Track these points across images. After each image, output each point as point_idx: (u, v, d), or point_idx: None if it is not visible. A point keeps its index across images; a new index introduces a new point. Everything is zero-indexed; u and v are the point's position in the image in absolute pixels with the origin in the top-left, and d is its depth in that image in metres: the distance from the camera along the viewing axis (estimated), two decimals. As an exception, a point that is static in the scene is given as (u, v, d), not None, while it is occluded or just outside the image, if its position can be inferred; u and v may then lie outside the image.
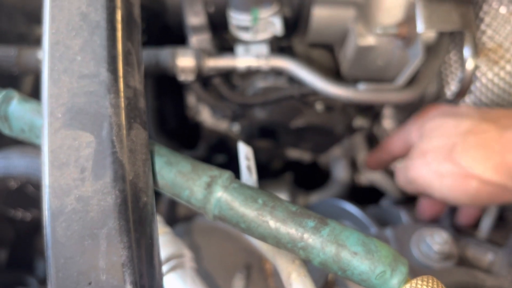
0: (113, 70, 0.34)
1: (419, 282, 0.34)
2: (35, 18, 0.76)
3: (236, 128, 0.79)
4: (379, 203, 0.77)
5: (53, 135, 0.33)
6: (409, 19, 0.61)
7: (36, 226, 0.81)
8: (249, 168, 0.44)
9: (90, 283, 0.30)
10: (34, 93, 0.72)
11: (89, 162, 0.32)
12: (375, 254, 0.35)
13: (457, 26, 0.60)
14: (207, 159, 0.81)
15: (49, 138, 0.33)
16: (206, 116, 0.79)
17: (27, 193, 0.60)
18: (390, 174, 0.82)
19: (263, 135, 0.79)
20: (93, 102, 0.33)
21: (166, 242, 0.48)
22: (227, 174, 0.38)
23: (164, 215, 0.70)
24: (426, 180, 0.58)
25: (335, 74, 0.74)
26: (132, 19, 0.37)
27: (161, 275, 0.34)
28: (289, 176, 0.85)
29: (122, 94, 0.34)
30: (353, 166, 0.87)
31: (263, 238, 0.36)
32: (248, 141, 0.82)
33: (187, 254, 0.48)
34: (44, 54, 0.35)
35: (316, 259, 0.35)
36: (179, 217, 0.76)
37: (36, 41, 0.76)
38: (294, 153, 0.89)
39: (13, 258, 0.77)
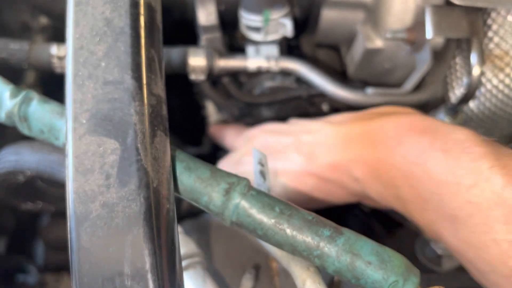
0: (137, 77, 0.35)
1: (430, 291, 0.35)
2: (39, 8, 0.75)
3: (241, 126, 0.79)
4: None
5: (77, 141, 0.33)
6: (418, 24, 0.61)
7: (37, 214, 0.81)
8: (262, 174, 0.45)
9: (115, 289, 0.31)
10: (36, 88, 0.72)
11: (114, 169, 0.33)
12: (388, 264, 0.36)
13: (466, 33, 0.60)
14: (212, 156, 0.81)
15: (74, 143, 0.33)
16: (211, 113, 0.79)
17: (35, 187, 0.60)
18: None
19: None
20: (117, 109, 0.34)
21: (177, 242, 0.48)
22: (245, 181, 0.39)
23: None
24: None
25: (340, 74, 0.75)
26: (155, 26, 0.38)
27: (182, 281, 0.34)
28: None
29: (146, 101, 0.35)
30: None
31: (279, 245, 0.37)
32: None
33: (199, 254, 0.49)
34: (68, 59, 0.35)
35: (331, 267, 0.36)
36: (183, 212, 0.76)
37: (40, 32, 0.76)
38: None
39: (13, 246, 0.78)
